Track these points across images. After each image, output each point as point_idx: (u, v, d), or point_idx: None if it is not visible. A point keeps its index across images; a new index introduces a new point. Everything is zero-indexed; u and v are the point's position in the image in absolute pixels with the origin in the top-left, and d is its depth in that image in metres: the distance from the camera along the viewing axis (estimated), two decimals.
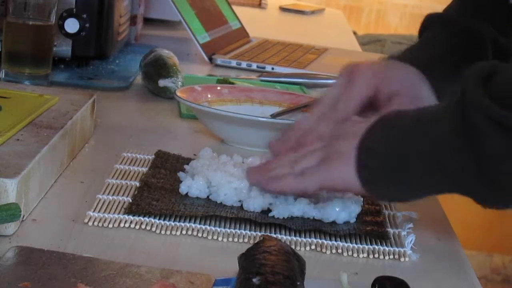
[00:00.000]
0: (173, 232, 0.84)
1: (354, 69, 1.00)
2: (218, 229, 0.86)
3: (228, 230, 0.86)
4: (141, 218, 0.86)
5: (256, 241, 0.73)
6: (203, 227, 0.86)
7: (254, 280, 0.66)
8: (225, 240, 0.84)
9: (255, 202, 0.90)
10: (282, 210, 0.89)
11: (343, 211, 0.89)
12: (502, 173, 0.78)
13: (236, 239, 0.85)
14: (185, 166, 0.97)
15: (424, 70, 1.03)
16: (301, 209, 0.89)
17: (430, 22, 1.12)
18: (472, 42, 1.08)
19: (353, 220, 0.90)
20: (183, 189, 0.92)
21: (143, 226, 0.85)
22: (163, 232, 0.84)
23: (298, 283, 0.68)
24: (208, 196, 0.92)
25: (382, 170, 0.85)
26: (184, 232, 0.85)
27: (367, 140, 0.86)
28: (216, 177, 0.91)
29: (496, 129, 0.77)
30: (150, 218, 0.86)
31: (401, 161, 0.84)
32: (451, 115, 0.80)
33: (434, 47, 1.09)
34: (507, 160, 0.77)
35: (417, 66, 1.03)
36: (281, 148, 0.95)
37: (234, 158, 0.98)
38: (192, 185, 0.92)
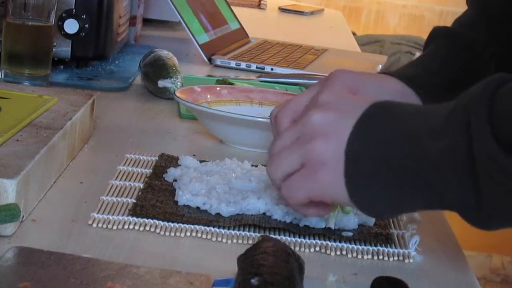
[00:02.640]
0: (177, 234, 0.84)
1: (332, 73, 0.94)
2: (218, 230, 0.86)
3: (229, 232, 0.86)
4: (144, 219, 0.86)
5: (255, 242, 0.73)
6: (205, 228, 0.86)
7: (253, 280, 0.66)
8: (224, 241, 0.84)
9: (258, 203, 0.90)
10: (283, 213, 0.89)
11: (353, 219, 0.89)
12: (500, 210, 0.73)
13: (235, 240, 0.85)
14: (165, 175, 0.97)
15: (415, 86, 1.00)
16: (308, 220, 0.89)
17: (435, 35, 1.09)
18: (473, 61, 1.05)
19: (356, 226, 0.90)
20: (181, 201, 0.91)
21: (147, 228, 0.85)
22: (166, 233, 0.84)
23: (297, 283, 0.68)
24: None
25: (372, 179, 0.77)
26: (188, 234, 0.85)
27: (354, 143, 0.77)
28: (212, 197, 0.90)
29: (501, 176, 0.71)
30: (154, 220, 0.86)
31: (392, 173, 0.76)
32: (454, 145, 0.73)
33: (431, 62, 1.05)
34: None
35: (407, 81, 1.00)
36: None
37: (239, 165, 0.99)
38: (191, 198, 0.91)
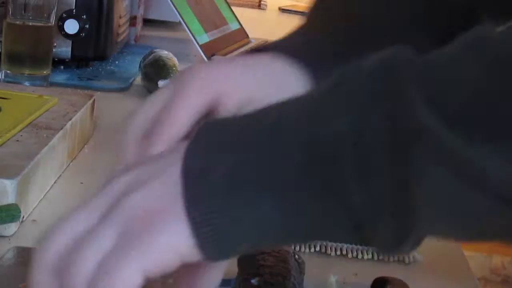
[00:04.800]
0: None
1: (182, 74, 0.63)
2: None
3: None
4: None
5: None
6: None
7: (253, 281, 0.66)
8: None
9: None
10: None
11: None
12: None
13: None
14: None
15: (301, 56, 0.67)
16: None
17: None
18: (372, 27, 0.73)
19: None
20: None
21: None
22: None
23: (297, 284, 0.68)
24: None
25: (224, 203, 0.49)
26: None
27: (193, 163, 0.50)
28: None
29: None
30: None
31: (251, 187, 0.49)
32: (354, 125, 0.47)
33: (322, 26, 0.73)
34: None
35: (290, 52, 0.67)
36: None
37: None
38: None
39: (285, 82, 0.66)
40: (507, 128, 0.46)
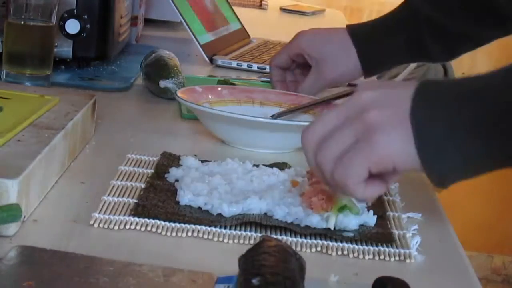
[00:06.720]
0: (179, 234, 0.84)
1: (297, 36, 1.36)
2: (219, 230, 0.86)
3: (230, 232, 0.86)
4: (146, 219, 0.86)
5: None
6: (206, 228, 0.86)
7: (254, 281, 0.66)
8: (226, 241, 0.85)
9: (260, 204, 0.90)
10: (284, 213, 0.89)
11: (354, 219, 0.89)
12: None
13: (237, 240, 0.85)
14: (167, 175, 0.97)
15: (355, 35, 1.30)
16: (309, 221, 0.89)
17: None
18: (409, 17, 1.29)
19: (357, 226, 0.90)
20: (183, 201, 0.90)
21: (148, 228, 0.85)
22: (167, 233, 0.84)
23: (298, 284, 0.68)
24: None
25: (447, 141, 0.74)
26: (189, 234, 0.85)
27: (419, 107, 0.74)
28: (214, 198, 0.90)
29: None
30: (155, 220, 0.86)
31: (469, 131, 0.74)
32: None
33: (379, 20, 1.32)
34: None
35: (352, 32, 1.31)
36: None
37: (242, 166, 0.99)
38: (193, 199, 0.90)
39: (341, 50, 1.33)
40: None
